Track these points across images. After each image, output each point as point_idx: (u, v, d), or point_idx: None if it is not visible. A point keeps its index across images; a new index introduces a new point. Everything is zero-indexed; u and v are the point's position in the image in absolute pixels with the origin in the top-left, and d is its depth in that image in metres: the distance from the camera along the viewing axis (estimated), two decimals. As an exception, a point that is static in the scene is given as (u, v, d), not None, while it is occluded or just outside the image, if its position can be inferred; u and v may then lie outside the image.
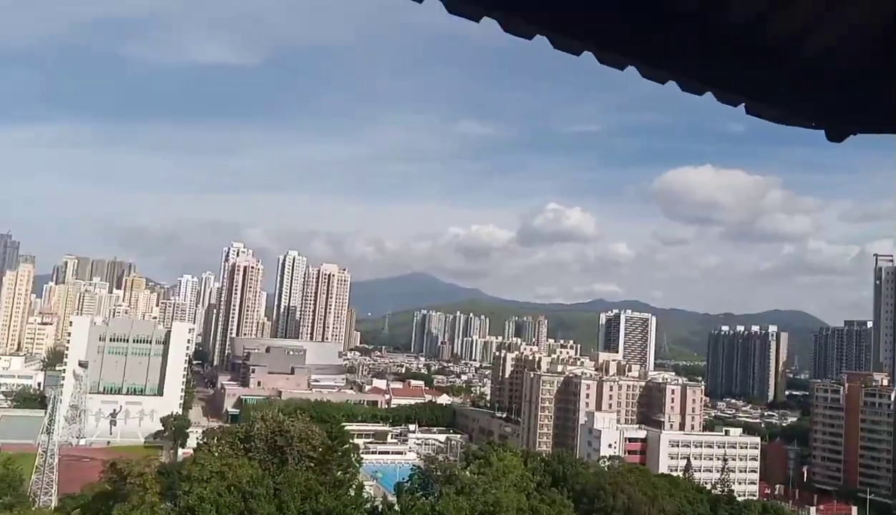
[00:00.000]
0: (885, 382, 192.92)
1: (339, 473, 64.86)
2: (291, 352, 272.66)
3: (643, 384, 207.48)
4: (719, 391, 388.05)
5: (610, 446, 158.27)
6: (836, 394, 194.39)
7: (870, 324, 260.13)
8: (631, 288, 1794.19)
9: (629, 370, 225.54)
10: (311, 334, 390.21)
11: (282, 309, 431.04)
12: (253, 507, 42.19)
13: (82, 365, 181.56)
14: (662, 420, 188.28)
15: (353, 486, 62.98)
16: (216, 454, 73.71)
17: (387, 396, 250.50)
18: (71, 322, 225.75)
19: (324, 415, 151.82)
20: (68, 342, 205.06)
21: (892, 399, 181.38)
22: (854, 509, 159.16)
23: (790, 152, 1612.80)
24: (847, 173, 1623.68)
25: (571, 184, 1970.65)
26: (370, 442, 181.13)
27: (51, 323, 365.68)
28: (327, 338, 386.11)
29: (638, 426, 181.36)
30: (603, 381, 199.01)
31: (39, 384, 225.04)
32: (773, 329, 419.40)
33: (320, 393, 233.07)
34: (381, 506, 54.53)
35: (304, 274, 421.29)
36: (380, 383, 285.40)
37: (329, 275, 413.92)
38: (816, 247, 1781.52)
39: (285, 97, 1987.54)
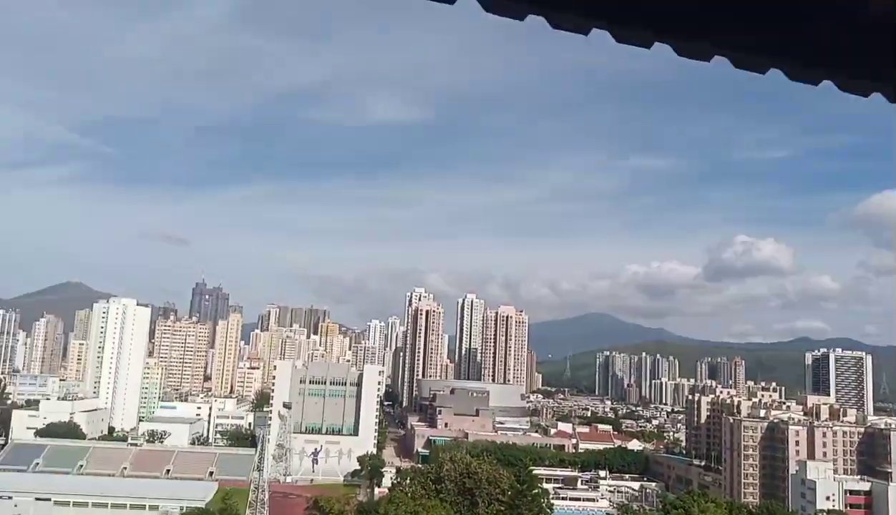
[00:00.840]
0: None
1: (533, 518, 63.17)
2: (475, 394, 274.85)
3: (862, 430, 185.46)
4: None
5: (827, 498, 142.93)
6: None
7: None
8: (839, 324, 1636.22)
9: (844, 414, 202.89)
10: (493, 376, 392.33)
11: (463, 351, 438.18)
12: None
13: (286, 406, 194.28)
14: (889, 470, 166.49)
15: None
16: (409, 494, 75.00)
17: (573, 440, 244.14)
18: (275, 366, 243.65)
19: (510, 458, 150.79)
20: (273, 385, 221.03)
21: None
22: None
23: None
24: None
25: (759, 214, 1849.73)
26: (559, 488, 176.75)
27: (258, 368, 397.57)
28: (509, 380, 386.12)
29: (860, 477, 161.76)
30: (814, 427, 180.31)
31: (250, 424, 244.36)
32: None
33: (505, 435, 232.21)
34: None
35: (483, 317, 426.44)
36: (565, 426, 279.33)
37: (507, 317, 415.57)
38: None
39: (452, 147, 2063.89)
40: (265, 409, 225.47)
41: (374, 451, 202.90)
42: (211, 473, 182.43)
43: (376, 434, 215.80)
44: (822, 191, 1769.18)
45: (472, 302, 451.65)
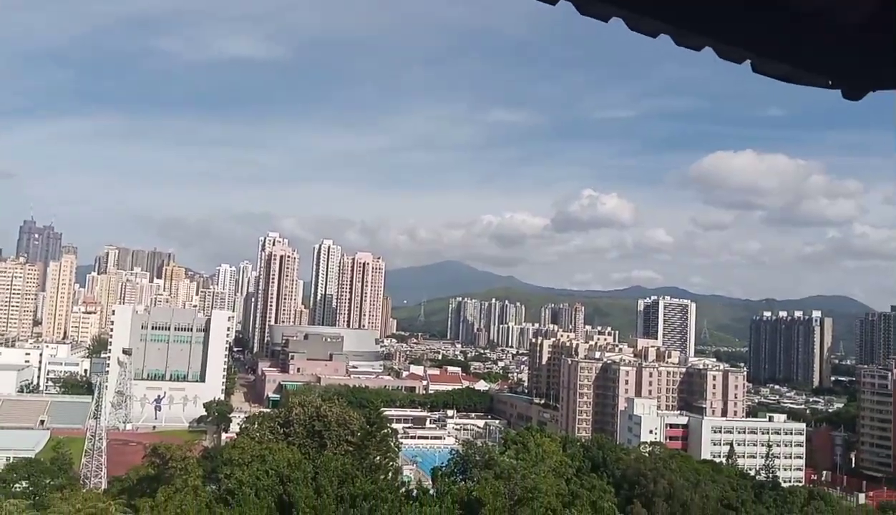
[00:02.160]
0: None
1: (378, 458, 64.80)
2: (329, 339, 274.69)
3: (683, 370, 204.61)
4: (762, 377, 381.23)
5: (651, 432, 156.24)
6: (884, 380, 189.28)
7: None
8: (670, 274, 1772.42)
9: (669, 356, 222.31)
10: (348, 322, 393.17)
11: (318, 297, 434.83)
12: (291, 491, 42.10)
13: (126, 352, 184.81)
14: (704, 406, 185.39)
15: (391, 470, 62.77)
16: (256, 438, 74.39)
17: (424, 382, 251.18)
18: (114, 311, 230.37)
19: (362, 401, 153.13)
20: (112, 330, 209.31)
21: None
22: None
23: (831, 136, 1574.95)
24: (886, 156, 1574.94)
25: (606, 171, 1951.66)
26: (409, 427, 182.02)
27: (94, 312, 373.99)
28: (364, 326, 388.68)
29: (679, 412, 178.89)
30: (642, 367, 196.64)
31: (86, 371, 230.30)
32: (816, 314, 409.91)
33: (358, 379, 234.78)
34: (416, 490, 54.10)
35: (340, 263, 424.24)
36: (417, 369, 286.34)
37: (364, 264, 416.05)
38: (861, 231, 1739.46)
39: (313, 90, 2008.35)
40: (103, 355, 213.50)
41: (222, 397, 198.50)
42: (42, 422, 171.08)
43: (224, 380, 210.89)
44: (661, 151, 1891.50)
45: (328, 248, 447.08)
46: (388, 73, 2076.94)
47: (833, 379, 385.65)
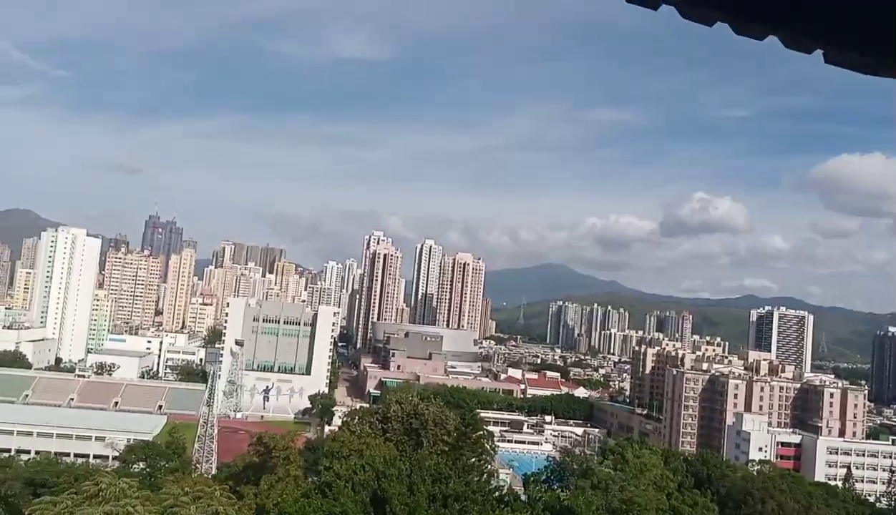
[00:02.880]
0: None
1: (473, 459, 64.91)
2: (429, 338, 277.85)
3: (798, 386, 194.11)
4: (886, 397, 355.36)
5: (760, 450, 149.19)
6: None
7: None
8: (786, 283, 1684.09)
9: (782, 370, 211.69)
10: (448, 321, 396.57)
11: (419, 296, 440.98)
12: (385, 486, 42.81)
13: (238, 343, 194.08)
14: (819, 425, 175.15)
15: (485, 473, 62.74)
16: (356, 433, 76.17)
17: (522, 386, 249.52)
18: (228, 303, 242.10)
19: (459, 401, 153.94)
20: (226, 322, 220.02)
21: None
22: None
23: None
24: None
25: (719, 173, 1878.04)
26: (506, 431, 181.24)
27: (210, 304, 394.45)
28: (463, 326, 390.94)
29: (792, 430, 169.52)
30: (753, 381, 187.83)
31: (201, 360, 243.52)
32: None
33: (456, 379, 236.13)
34: (507, 495, 53.77)
35: (441, 263, 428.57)
36: (515, 372, 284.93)
37: (464, 264, 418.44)
38: None
39: (418, 89, 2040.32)
40: (217, 346, 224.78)
41: (326, 391, 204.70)
42: (160, 407, 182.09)
43: (328, 374, 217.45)
44: (779, 153, 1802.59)
45: (430, 247, 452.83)
46: (492, 72, 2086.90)
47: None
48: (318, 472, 62.47)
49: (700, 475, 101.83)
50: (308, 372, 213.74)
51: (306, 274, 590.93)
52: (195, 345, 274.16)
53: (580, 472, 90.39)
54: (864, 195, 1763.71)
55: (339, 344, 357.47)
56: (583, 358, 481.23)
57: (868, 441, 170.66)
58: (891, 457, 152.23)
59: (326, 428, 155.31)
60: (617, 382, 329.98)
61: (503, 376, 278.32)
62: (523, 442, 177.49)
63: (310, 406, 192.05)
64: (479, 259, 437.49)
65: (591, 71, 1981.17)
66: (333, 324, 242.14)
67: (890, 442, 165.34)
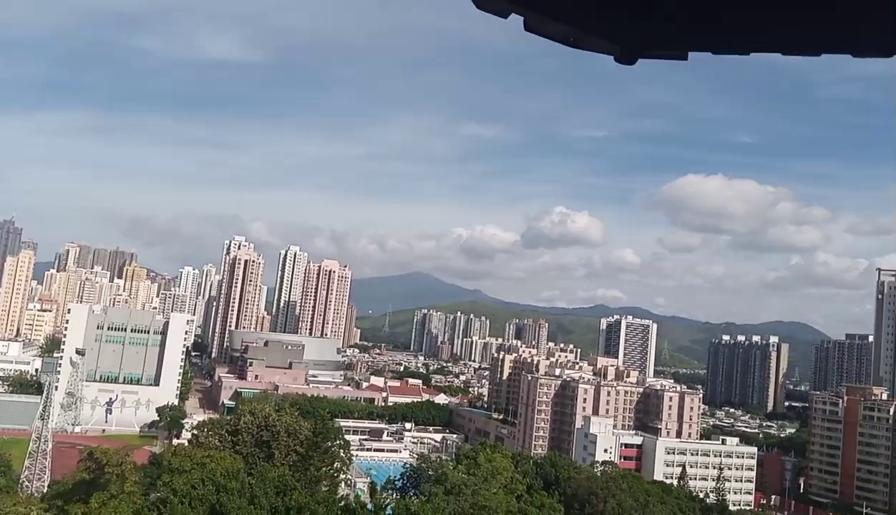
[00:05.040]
0: (885, 396, 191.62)
1: (324, 468, 64.08)
2: (290, 347, 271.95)
3: (641, 390, 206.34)
4: (718, 400, 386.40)
5: (605, 451, 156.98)
6: (835, 407, 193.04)
7: (871, 338, 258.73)
8: (634, 294, 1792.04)
9: (627, 376, 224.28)
10: (311, 330, 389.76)
11: (282, 304, 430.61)
12: (224, 501, 41.34)
13: (79, 352, 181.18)
14: (659, 426, 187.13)
15: (337, 482, 62.16)
16: (203, 445, 73.11)
17: (384, 394, 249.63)
18: (69, 309, 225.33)
19: (317, 411, 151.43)
20: (66, 329, 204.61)
21: (891, 413, 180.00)
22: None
23: (800, 165, 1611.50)
24: (853, 187, 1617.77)
25: (578, 190, 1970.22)
26: (365, 439, 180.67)
27: (50, 310, 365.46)
28: (326, 335, 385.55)
29: (634, 432, 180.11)
30: (601, 386, 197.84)
31: (37, 370, 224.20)
32: (774, 339, 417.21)
33: (317, 388, 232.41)
34: (354, 504, 53.58)
35: (305, 270, 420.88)
36: (377, 380, 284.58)
37: (330, 272, 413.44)
38: (824, 259, 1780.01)
39: (291, 94, 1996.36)
40: (55, 355, 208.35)
41: (176, 402, 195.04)
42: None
43: (179, 385, 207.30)
44: (633, 172, 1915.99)
45: (295, 254, 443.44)
46: (367, 82, 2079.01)
47: (787, 404, 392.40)
48: (157, 488, 59.36)
49: (549, 477, 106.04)
50: (157, 382, 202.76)
51: (159, 280, 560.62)
52: (31, 354, 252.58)
53: (435, 478, 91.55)
54: (706, 213, 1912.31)
55: (193, 354, 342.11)
56: (445, 365, 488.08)
57: (701, 441, 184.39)
58: (720, 456, 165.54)
59: (175, 442, 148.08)
60: (476, 388, 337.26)
61: (365, 384, 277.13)
62: (382, 450, 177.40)
63: (157, 418, 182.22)
64: (345, 266, 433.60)
65: (462, 86, 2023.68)
66: (187, 333, 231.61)
67: (720, 442, 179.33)
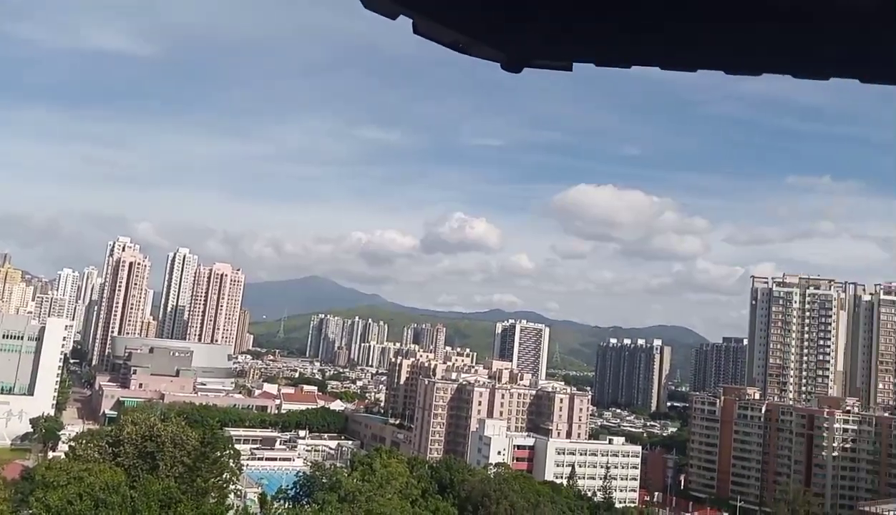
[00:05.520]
0: (757, 396, 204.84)
1: (212, 480, 61.94)
2: (177, 354, 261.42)
3: (534, 392, 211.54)
4: (606, 401, 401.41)
5: (499, 453, 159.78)
6: (713, 407, 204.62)
7: (745, 341, 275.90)
8: (529, 299, 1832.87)
9: (521, 378, 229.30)
10: (201, 335, 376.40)
11: (169, 309, 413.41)
12: (103, 516, 39.32)
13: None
14: (550, 428, 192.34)
15: (225, 493, 60.22)
16: (81, 458, 69.02)
17: (277, 401, 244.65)
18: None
19: (205, 420, 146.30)
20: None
21: (763, 412, 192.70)
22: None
23: (683, 176, 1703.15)
24: (730, 199, 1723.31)
25: (477, 197, 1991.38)
26: (257, 449, 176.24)
27: None
28: (217, 341, 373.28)
29: (527, 433, 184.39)
30: (495, 389, 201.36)
31: None
32: (657, 343, 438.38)
33: (206, 396, 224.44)
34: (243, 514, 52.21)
35: (195, 273, 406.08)
36: (270, 388, 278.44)
37: (221, 275, 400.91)
38: (703, 266, 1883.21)
39: (184, 91, 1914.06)
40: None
41: (52, 413, 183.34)
42: None
43: (56, 394, 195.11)
44: (530, 180, 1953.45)
45: (184, 256, 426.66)
46: (265, 82, 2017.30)
47: (669, 404, 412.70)
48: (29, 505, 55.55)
49: (444, 480, 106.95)
50: (31, 392, 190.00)
51: (36, 283, 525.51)
52: None
53: (329, 485, 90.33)
54: (597, 222, 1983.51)
55: (72, 362, 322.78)
56: (342, 370, 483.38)
57: (589, 441, 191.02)
58: (607, 455, 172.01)
59: (50, 455, 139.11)
60: (373, 393, 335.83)
61: (258, 392, 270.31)
62: (275, 459, 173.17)
63: (31, 430, 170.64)
64: (238, 270, 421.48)
65: (363, 89, 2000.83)
66: (65, 339, 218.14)
67: (607, 442, 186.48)
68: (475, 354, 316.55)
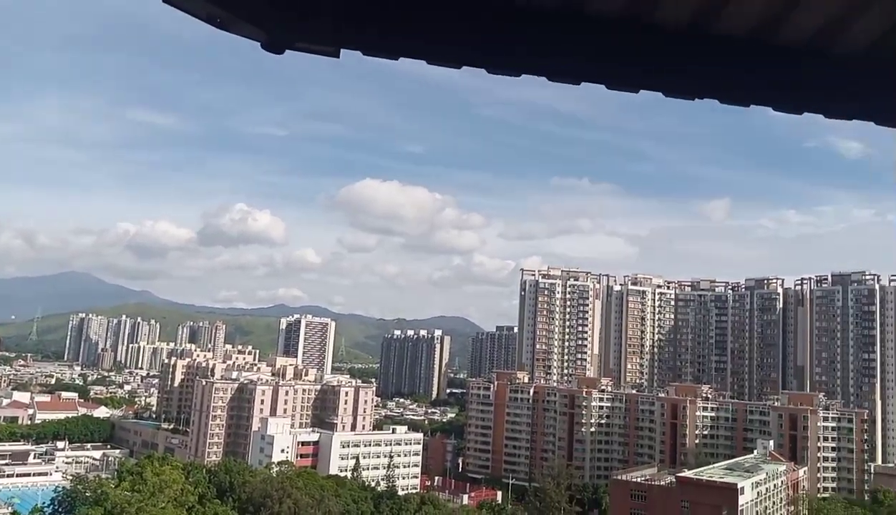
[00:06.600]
0: (526, 380, 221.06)
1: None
2: None
3: (319, 387, 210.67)
4: (390, 391, 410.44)
5: (283, 451, 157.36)
6: (487, 391, 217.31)
7: (516, 329, 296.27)
8: (315, 293, 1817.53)
9: (306, 374, 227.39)
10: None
11: None
12: None
13: None
14: (336, 421, 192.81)
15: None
16: None
17: (30, 411, 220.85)
18: None
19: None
20: None
21: (531, 394, 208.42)
22: (499, 493, 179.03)
23: (461, 175, 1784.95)
24: (503, 198, 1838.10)
25: (260, 188, 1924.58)
26: (6, 464, 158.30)
27: None
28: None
29: (312, 429, 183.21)
30: (279, 386, 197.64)
31: None
32: (438, 333, 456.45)
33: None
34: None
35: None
36: (22, 396, 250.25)
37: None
38: (480, 260, 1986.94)
39: None
40: None
41: None
42: None
43: None
44: (315, 173, 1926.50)
45: None
46: (11, 52, 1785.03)
47: (449, 391, 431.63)
48: None
49: (223, 484, 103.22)
50: None
51: None
52: None
53: (93, 499, 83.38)
54: (383, 216, 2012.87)
55: None
56: (107, 374, 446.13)
57: (374, 432, 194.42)
58: (391, 444, 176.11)
59: None
60: (144, 398, 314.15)
61: (6, 401, 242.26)
62: (29, 475, 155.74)
63: None
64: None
65: (131, 68, 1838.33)
66: None
67: (391, 431, 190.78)
68: (258, 351, 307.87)
